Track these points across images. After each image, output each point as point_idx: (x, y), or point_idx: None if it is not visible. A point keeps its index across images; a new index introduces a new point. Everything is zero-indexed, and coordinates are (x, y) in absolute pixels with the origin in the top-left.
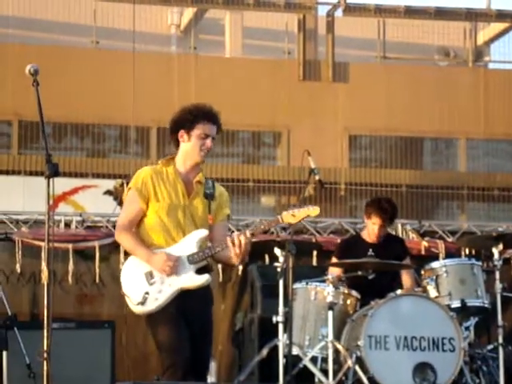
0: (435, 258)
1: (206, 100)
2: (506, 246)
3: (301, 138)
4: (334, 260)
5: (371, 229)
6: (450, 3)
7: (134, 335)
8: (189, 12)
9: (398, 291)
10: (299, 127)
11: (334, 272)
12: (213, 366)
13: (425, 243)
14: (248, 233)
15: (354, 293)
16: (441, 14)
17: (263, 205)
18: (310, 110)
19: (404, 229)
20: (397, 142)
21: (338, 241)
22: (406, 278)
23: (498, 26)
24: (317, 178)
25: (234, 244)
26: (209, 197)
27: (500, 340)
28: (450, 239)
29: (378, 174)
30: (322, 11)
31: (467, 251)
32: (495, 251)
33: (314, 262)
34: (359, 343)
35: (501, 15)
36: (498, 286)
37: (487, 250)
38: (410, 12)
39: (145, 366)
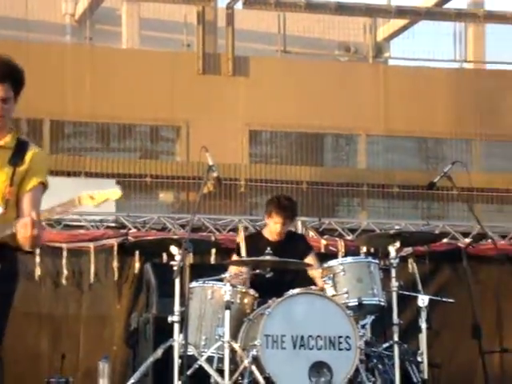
0: (335, 256)
1: (101, 93)
2: (403, 244)
3: (200, 133)
4: (234, 258)
5: (273, 227)
6: None
7: (23, 336)
8: (84, 1)
9: (296, 290)
10: (199, 122)
11: (233, 270)
12: (106, 367)
13: (323, 241)
14: (34, 214)
15: (251, 291)
16: (341, 9)
17: (161, 201)
18: (210, 104)
19: (304, 226)
20: (297, 138)
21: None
22: (312, 273)
23: (398, 23)
24: (214, 174)
25: (20, 226)
26: (14, 163)
27: (395, 338)
28: (349, 237)
29: (279, 171)
30: (222, 3)
31: (365, 249)
32: (392, 249)
33: (213, 260)
34: (256, 343)
35: (400, 12)
36: (394, 284)
37: (384, 248)
38: (311, 6)
39: (35, 367)
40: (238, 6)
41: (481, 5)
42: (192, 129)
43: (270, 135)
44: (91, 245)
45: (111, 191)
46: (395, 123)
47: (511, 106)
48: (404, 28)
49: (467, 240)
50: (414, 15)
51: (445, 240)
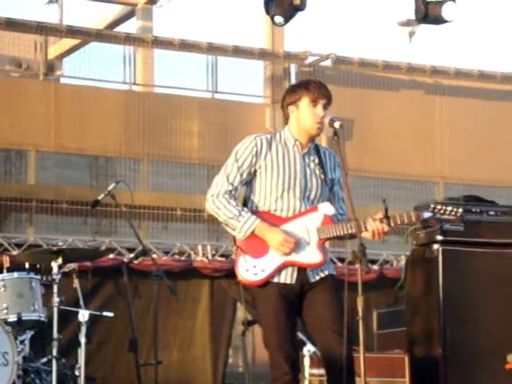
0: (1, 271)
1: None
2: (66, 260)
3: None
4: None
5: None
6: (22, 15)
7: None
8: None
9: None
10: None
11: None
12: None
13: None
14: None
15: None
16: (11, 24)
17: None
18: None
19: None
20: None
21: None
22: None
23: (70, 42)
24: None
25: None
26: None
27: (54, 353)
28: (15, 252)
29: None
30: None
31: (29, 265)
32: (54, 265)
33: None
34: None
35: (71, 31)
36: (56, 299)
37: (48, 263)
38: None
39: None
40: None
41: (149, 30)
42: None
43: None
44: None
45: None
46: (66, 140)
47: (177, 128)
48: (76, 47)
49: (131, 255)
50: (85, 36)
51: (111, 256)
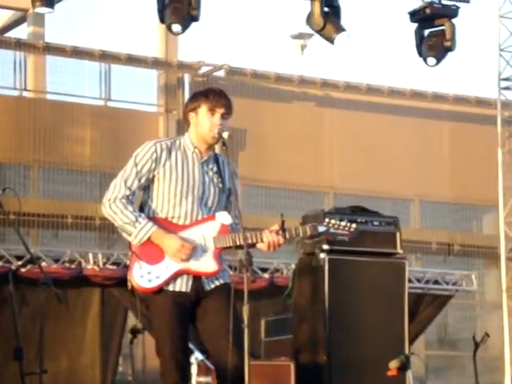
0: None
1: None
2: None
3: None
4: None
5: None
6: None
7: None
8: None
9: None
10: None
11: None
12: None
13: None
14: None
15: None
16: None
17: None
18: None
19: None
20: None
21: None
22: None
23: None
24: None
25: None
26: None
27: None
28: None
29: None
30: None
31: None
32: None
33: None
34: None
35: None
36: None
37: None
38: None
39: None
40: None
41: (41, 36)
42: None
43: None
44: None
45: None
46: None
47: (69, 135)
48: None
49: (19, 263)
50: None
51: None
